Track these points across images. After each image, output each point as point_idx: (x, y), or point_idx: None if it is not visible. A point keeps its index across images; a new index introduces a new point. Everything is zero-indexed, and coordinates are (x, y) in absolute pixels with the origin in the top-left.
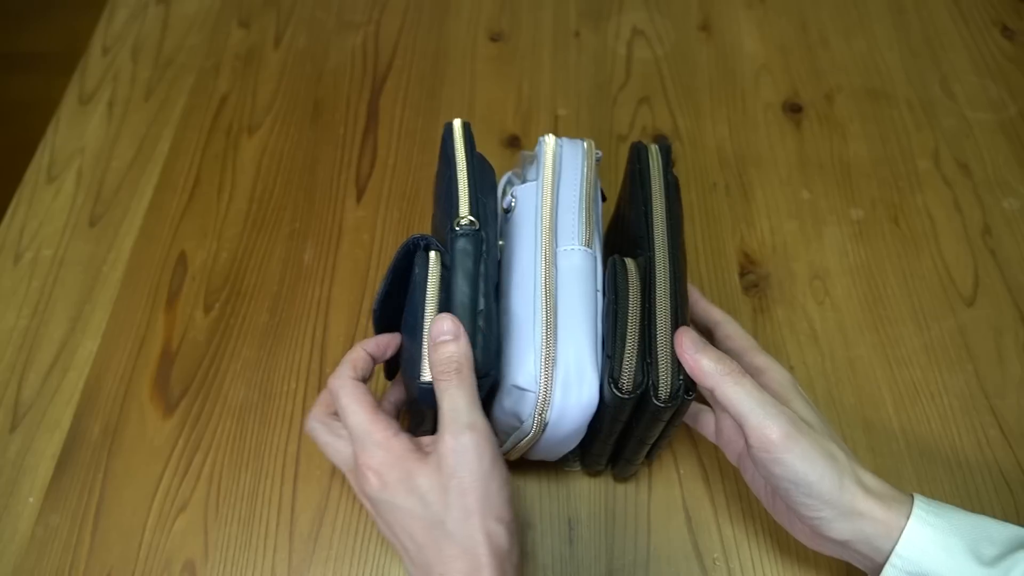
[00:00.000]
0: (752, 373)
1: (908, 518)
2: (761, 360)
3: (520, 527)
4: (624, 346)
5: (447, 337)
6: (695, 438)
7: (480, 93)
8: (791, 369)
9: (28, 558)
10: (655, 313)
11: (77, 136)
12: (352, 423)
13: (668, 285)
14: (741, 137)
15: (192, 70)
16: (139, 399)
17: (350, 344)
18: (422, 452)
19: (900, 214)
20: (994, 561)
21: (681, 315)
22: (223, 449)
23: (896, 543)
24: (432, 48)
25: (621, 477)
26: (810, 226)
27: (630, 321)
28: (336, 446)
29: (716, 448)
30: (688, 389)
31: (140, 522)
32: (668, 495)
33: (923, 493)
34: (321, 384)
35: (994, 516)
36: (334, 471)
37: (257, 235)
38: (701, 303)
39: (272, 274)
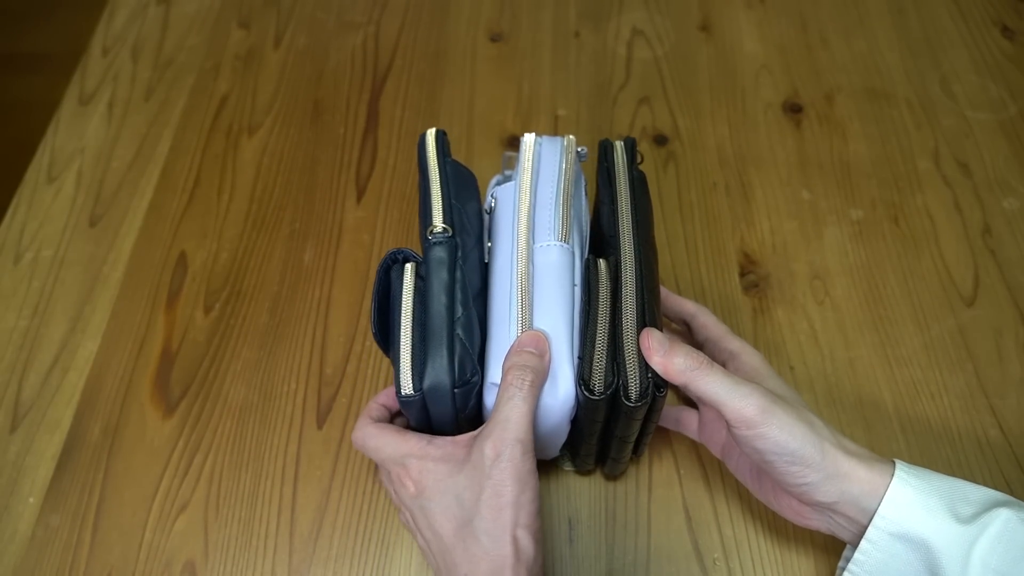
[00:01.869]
0: (726, 357)
1: (891, 478)
2: (735, 344)
3: (544, 538)
4: (594, 347)
5: (531, 350)
6: None
7: (480, 93)
8: (791, 369)
9: (28, 558)
10: (622, 313)
11: (77, 136)
12: (386, 455)
13: (635, 283)
14: (741, 137)
15: (192, 70)
16: (139, 399)
17: (350, 344)
18: (461, 452)
19: (900, 214)
20: (970, 519)
21: (649, 313)
22: (223, 449)
23: (880, 503)
24: (432, 48)
25: (611, 475)
26: (810, 226)
27: (599, 322)
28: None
29: None
30: (658, 386)
31: (140, 522)
32: (668, 495)
33: None
34: (321, 384)
35: None
36: (334, 471)
37: (257, 235)
38: (672, 298)
39: (272, 274)
